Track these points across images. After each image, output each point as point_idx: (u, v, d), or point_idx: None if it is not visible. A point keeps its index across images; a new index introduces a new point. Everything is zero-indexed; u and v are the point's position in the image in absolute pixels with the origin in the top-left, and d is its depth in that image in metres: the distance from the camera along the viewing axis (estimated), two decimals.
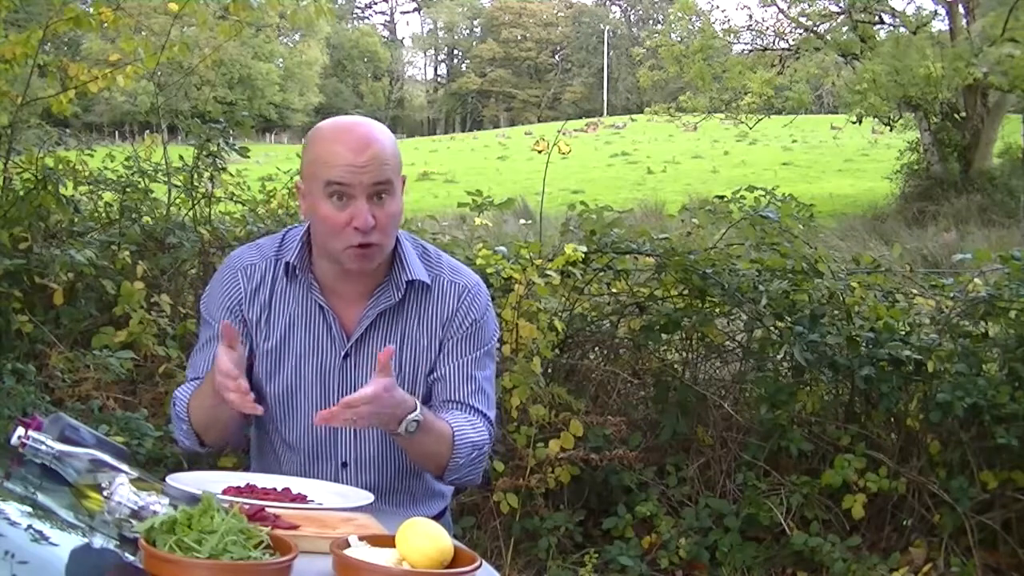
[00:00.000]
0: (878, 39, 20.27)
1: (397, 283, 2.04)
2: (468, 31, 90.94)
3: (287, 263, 2.05)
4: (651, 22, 75.09)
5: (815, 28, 21.79)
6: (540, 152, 4.76)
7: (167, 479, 1.73)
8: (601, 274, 4.54)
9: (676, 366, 4.65)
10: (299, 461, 2.10)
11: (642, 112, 35.20)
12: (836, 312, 4.31)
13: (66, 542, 1.42)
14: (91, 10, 4.65)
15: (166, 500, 1.48)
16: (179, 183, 4.88)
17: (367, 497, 1.84)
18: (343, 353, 2.05)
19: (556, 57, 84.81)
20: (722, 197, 4.80)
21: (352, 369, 2.06)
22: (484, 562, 1.52)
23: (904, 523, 4.11)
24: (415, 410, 1.88)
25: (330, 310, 2.04)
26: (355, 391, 2.00)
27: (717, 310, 4.53)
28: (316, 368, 2.06)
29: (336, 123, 2.00)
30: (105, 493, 1.46)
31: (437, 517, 2.16)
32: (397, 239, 2.05)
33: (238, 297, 2.07)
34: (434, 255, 2.13)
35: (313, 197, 1.96)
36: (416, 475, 2.16)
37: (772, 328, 4.32)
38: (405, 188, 2.04)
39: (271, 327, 2.06)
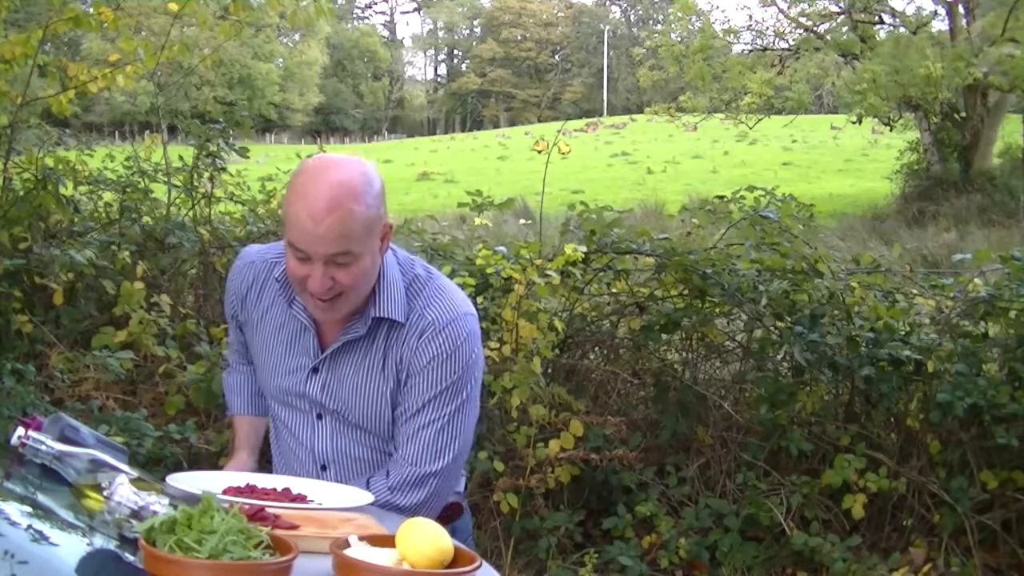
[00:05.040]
0: (878, 39, 20.26)
1: (366, 317, 2.01)
2: (468, 31, 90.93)
3: (275, 277, 2.09)
4: (651, 22, 75.01)
5: (815, 28, 21.78)
6: (540, 152, 4.76)
7: (167, 479, 1.73)
8: (601, 274, 4.54)
9: (676, 366, 4.65)
10: (284, 457, 2.18)
11: (642, 112, 35.21)
12: (836, 312, 4.31)
13: (66, 542, 1.42)
14: (91, 10, 4.64)
15: (166, 500, 1.48)
16: (179, 183, 4.89)
17: (367, 497, 1.84)
18: (312, 366, 2.07)
19: (556, 57, 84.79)
20: (722, 197, 4.80)
21: (322, 380, 2.07)
22: (484, 562, 1.52)
23: (904, 523, 4.11)
24: None
25: (310, 325, 2.05)
26: (324, 400, 2.09)
27: (717, 310, 4.53)
28: (288, 375, 2.10)
29: (313, 176, 1.87)
30: (105, 493, 1.46)
31: (450, 518, 2.16)
32: (385, 270, 2.00)
33: (235, 292, 2.19)
34: (422, 283, 2.04)
35: (285, 241, 1.94)
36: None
37: (772, 328, 4.32)
38: (393, 230, 1.99)
39: (258, 324, 2.14)
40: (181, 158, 5.02)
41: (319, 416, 2.10)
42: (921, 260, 11.20)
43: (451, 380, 2.00)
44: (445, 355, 1.99)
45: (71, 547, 1.41)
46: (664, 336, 4.53)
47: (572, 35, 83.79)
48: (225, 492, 1.76)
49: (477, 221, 4.80)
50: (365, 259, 1.91)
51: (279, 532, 1.45)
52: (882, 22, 21.34)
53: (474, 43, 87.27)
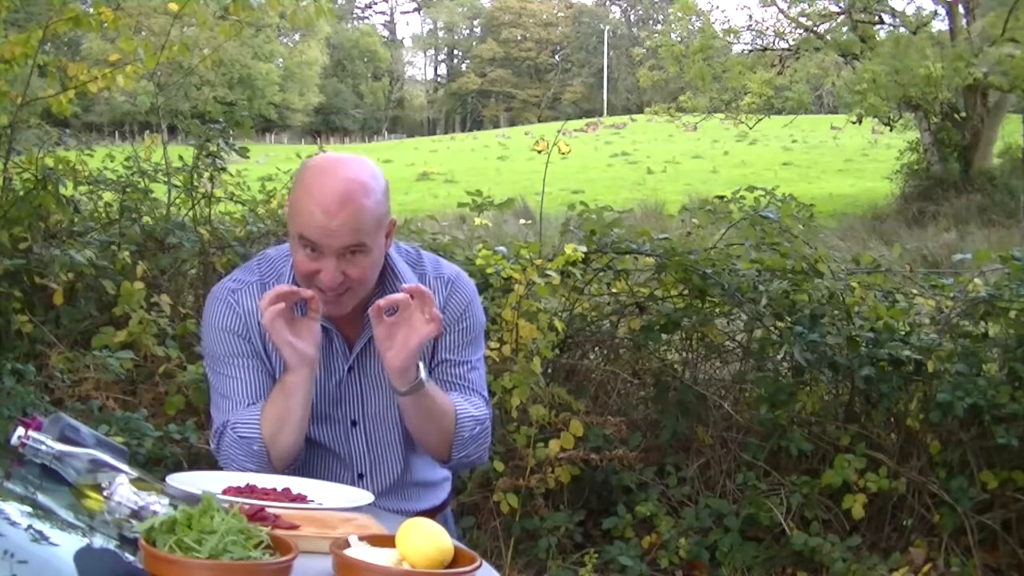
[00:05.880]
0: (878, 39, 20.25)
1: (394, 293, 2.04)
2: (468, 31, 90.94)
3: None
4: (651, 22, 75.10)
5: (815, 28, 21.78)
6: (540, 152, 4.76)
7: (167, 479, 1.73)
8: (601, 274, 4.54)
9: (676, 366, 4.65)
10: (314, 474, 2.09)
11: (642, 112, 35.21)
12: (836, 312, 4.31)
13: (66, 542, 1.42)
14: (91, 10, 4.64)
15: (166, 500, 1.48)
16: (179, 183, 4.88)
17: (367, 497, 1.85)
18: (347, 367, 2.07)
19: (556, 57, 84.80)
20: (722, 197, 4.80)
21: (358, 379, 2.08)
22: (484, 562, 1.52)
23: (904, 523, 4.11)
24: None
25: (332, 328, 2.05)
26: (363, 399, 2.07)
27: (717, 310, 4.53)
28: (325, 385, 2.07)
29: (321, 171, 1.93)
30: (105, 493, 1.46)
31: (438, 509, 2.19)
32: (390, 253, 2.06)
33: (239, 321, 2.04)
34: (415, 255, 2.15)
35: (291, 237, 1.96)
36: (417, 467, 2.18)
37: (772, 328, 4.33)
38: (394, 231, 2.03)
39: (271, 350, 2.04)
40: (181, 158, 5.02)
41: (354, 423, 2.10)
42: (921, 260, 11.20)
43: (480, 324, 2.17)
44: (472, 297, 2.15)
45: (71, 547, 1.41)
46: (664, 336, 4.53)
47: (572, 35, 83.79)
48: (225, 492, 1.76)
49: (477, 221, 4.80)
50: (374, 253, 1.95)
51: (279, 532, 1.45)
52: (882, 22, 21.34)
53: (474, 43, 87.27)
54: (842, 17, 21.33)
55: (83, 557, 1.32)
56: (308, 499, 1.82)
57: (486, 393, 2.16)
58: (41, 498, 1.56)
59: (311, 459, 2.11)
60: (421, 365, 1.94)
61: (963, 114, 19.81)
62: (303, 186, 1.92)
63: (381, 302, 1.91)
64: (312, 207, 1.88)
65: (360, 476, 2.12)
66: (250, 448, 1.97)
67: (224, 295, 2.07)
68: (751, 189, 4.70)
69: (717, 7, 59.91)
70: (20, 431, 1.69)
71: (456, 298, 2.11)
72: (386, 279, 2.06)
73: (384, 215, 1.96)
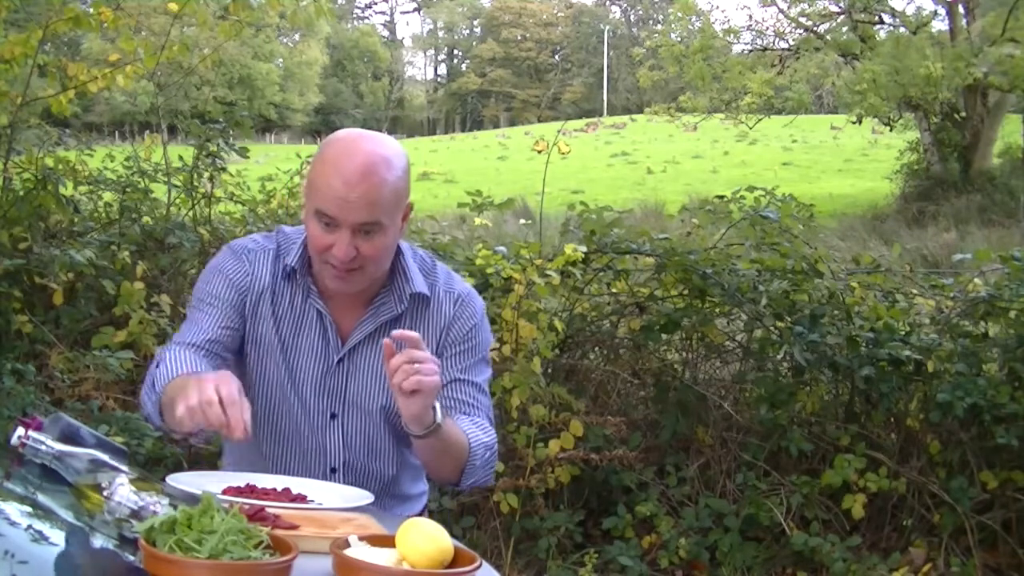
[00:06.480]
0: (878, 39, 20.25)
1: (400, 295, 2.05)
2: (468, 31, 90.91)
3: (287, 266, 2.04)
4: (651, 22, 75.06)
5: (815, 28, 21.77)
6: (540, 152, 4.76)
7: (167, 479, 1.73)
8: (601, 274, 4.55)
9: (676, 366, 4.65)
10: (287, 461, 2.10)
11: (642, 112, 35.22)
12: (836, 312, 4.32)
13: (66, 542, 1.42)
14: (91, 10, 4.64)
15: (166, 500, 1.48)
16: (179, 183, 4.89)
17: (367, 497, 1.85)
18: (337, 358, 2.06)
19: (556, 57, 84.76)
20: (722, 197, 4.80)
21: (345, 373, 2.07)
22: (484, 562, 1.52)
23: (904, 523, 4.11)
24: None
25: (328, 315, 2.04)
26: (346, 393, 2.05)
27: (717, 310, 4.54)
28: (310, 370, 2.06)
29: (345, 145, 1.93)
30: (105, 493, 1.47)
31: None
32: (399, 250, 2.04)
33: (246, 277, 2.04)
34: (430, 264, 2.13)
35: (307, 210, 1.96)
36: (398, 480, 2.17)
37: (772, 328, 4.33)
38: (410, 214, 2.02)
39: (264, 318, 2.05)
40: (181, 158, 5.02)
41: (333, 416, 2.08)
42: (921, 260, 11.20)
43: (487, 345, 2.15)
44: (481, 317, 2.13)
45: (55, 554, 1.40)
46: (664, 336, 4.53)
47: (572, 35, 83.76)
48: (225, 492, 1.76)
49: (477, 221, 4.80)
50: (389, 233, 1.94)
51: (279, 532, 1.45)
52: (882, 22, 21.33)
53: (474, 43, 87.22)
54: (842, 17, 21.32)
55: (62, 562, 1.32)
56: (308, 499, 1.82)
57: (491, 414, 2.14)
58: (41, 498, 1.56)
59: (285, 446, 2.10)
60: (438, 406, 1.87)
61: (963, 114, 19.81)
62: (325, 158, 1.92)
63: (403, 337, 1.81)
64: (333, 178, 1.87)
65: (333, 470, 2.10)
66: (154, 392, 1.92)
67: (240, 249, 2.08)
68: (751, 189, 4.71)
69: (717, 7, 60.07)
70: (20, 431, 1.69)
71: (464, 316, 2.09)
72: (396, 277, 2.05)
73: (404, 192, 1.95)
